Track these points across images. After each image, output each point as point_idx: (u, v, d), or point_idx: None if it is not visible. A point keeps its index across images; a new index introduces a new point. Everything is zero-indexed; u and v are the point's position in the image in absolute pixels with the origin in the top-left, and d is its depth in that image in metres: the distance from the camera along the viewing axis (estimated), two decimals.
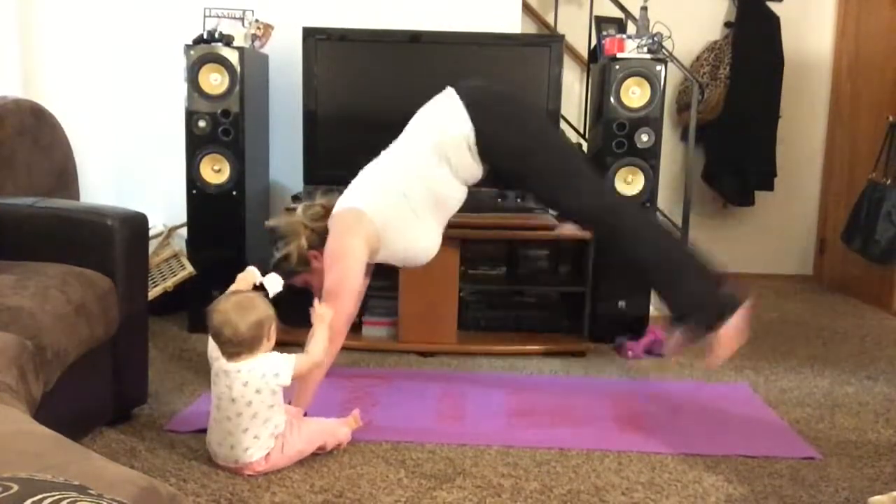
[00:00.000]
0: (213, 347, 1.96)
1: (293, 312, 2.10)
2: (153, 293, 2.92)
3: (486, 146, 2.31)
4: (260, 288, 2.12)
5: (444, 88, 2.40)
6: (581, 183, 2.40)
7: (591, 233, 2.67)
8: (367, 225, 2.24)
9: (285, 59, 3.35)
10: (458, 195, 2.39)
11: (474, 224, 2.92)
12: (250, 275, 2.14)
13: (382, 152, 2.42)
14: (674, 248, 2.43)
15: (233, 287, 2.08)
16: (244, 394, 1.90)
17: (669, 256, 2.37)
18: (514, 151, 2.37)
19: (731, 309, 2.24)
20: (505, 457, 2.09)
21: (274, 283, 2.14)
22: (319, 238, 2.32)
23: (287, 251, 2.34)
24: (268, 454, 1.93)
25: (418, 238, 2.34)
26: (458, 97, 2.35)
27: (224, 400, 1.92)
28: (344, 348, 2.90)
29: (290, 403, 2.08)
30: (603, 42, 3.25)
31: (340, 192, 2.37)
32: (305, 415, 2.14)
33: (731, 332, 2.24)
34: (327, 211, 2.36)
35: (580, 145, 3.71)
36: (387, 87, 3.15)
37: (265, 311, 1.94)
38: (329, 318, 2.09)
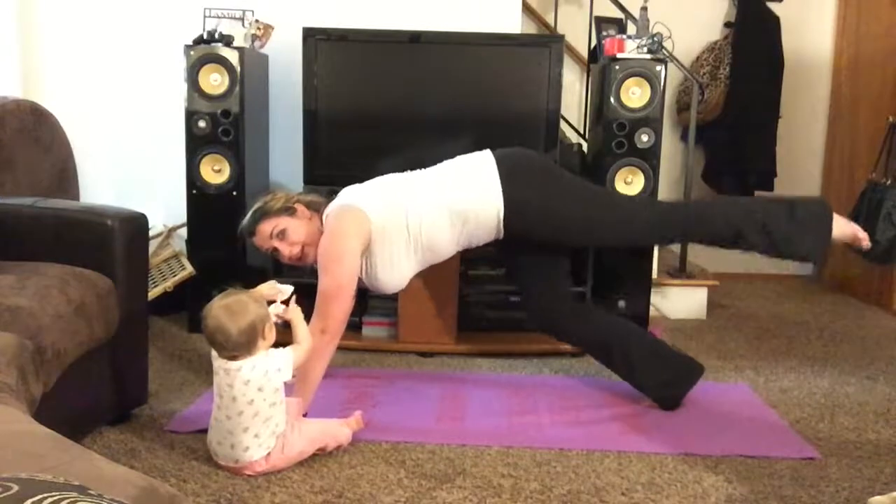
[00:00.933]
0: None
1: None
2: (153, 293, 2.92)
3: (515, 221, 2.34)
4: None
5: (483, 151, 2.44)
6: (641, 221, 2.49)
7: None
8: (366, 226, 2.24)
9: (285, 59, 3.35)
10: (449, 255, 2.42)
11: None
12: (271, 289, 2.09)
13: (402, 175, 2.42)
14: (754, 214, 2.46)
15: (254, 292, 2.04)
16: (245, 392, 1.90)
17: (756, 220, 2.43)
18: (549, 220, 2.39)
19: (829, 219, 2.40)
20: (505, 457, 2.09)
21: (286, 290, 2.11)
22: (308, 202, 2.36)
23: (275, 195, 2.36)
24: (268, 454, 1.93)
25: (395, 267, 2.32)
26: (495, 165, 2.36)
27: (225, 398, 1.92)
28: (344, 348, 2.92)
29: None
30: (603, 42, 3.25)
31: (327, 199, 2.38)
32: (305, 415, 2.15)
33: (840, 227, 2.42)
34: (318, 200, 2.40)
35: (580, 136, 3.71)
36: (387, 87, 3.15)
37: (256, 312, 1.91)
38: (299, 315, 2.07)
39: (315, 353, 2.15)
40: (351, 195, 2.34)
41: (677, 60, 3.64)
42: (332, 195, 2.43)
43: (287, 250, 2.32)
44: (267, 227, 2.33)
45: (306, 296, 2.21)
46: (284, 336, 2.04)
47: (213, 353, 1.95)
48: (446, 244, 2.36)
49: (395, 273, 2.33)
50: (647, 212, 2.55)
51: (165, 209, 3.51)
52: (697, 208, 2.64)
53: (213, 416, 1.97)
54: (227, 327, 1.87)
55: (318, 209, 2.37)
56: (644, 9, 3.32)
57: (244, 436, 1.90)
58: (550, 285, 2.54)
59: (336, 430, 2.08)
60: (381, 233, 2.26)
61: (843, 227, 2.43)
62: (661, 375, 2.47)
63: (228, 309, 1.89)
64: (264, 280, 2.16)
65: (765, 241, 2.39)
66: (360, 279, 2.32)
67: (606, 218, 2.45)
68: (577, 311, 2.60)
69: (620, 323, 2.61)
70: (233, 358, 1.90)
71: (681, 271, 3.70)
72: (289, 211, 2.33)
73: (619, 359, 2.50)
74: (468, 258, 3.15)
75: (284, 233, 2.31)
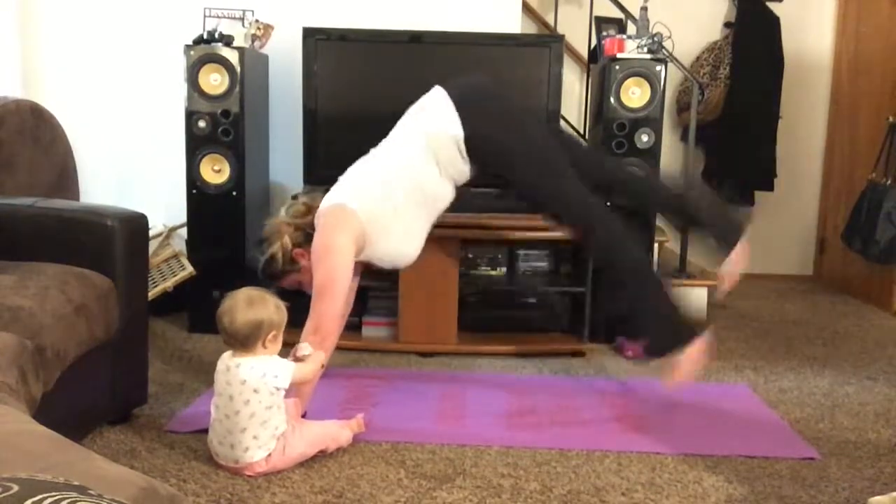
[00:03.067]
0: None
1: (293, 312, 2.10)
2: (153, 293, 2.92)
3: (473, 146, 2.33)
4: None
5: (433, 87, 2.42)
6: (565, 188, 2.43)
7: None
8: (354, 221, 2.23)
9: (285, 59, 3.35)
10: (447, 194, 2.40)
11: (474, 224, 2.92)
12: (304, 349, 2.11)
13: (371, 150, 2.43)
14: (642, 275, 2.47)
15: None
16: (242, 392, 1.90)
17: (636, 280, 2.45)
18: (500, 151, 2.39)
19: (686, 340, 2.34)
20: (505, 457, 2.09)
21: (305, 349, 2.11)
22: (304, 236, 2.32)
23: (272, 252, 2.33)
24: (269, 455, 1.93)
25: (402, 238, 2.33)
26: (447, 96, 2.37)
27: (223, 397, 1.93)
28: (344, 348, 2.93)
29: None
30: (603, 42, 3.25)
31: (324, 192, 2.37)
32: (304, 416, 2.15)
33: (686, 361, 2.34)
34: (310, 208, 2.36)
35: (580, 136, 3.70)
36: (387, 87, 3.15)
37: (270, 314, 1.93)
38: (319, 358, 2.08)
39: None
40: (334, 194, 2.34)
41: (677, 60, 3.64)
42: (311, 194, 2.45)
43: (309, 291, 2.32)
44: (282, 285, 2.37)
45: None
46: (284, 337, 2.04)
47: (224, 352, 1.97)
48: (437, 186, 2.36)
49: (405, 243, 2.35)
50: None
51: (165, 209, 3.51)
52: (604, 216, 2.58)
53: (213, 416, 1.97)
54: (236, 313, 1.90)
55: (313, 225, 2.34)
56: (644, 9, 3.32)
57: (242, 436, 1.91)
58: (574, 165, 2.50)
59: (337, 432, 2.08)
60: (376, 220, 2.26)
61: (684, 366, 2.36)
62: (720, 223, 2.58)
63: (249, 298, 1.93)
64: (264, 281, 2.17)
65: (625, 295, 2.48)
66: (380, 265, 2.36)
67: (541, 141, 2.47)
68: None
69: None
70: (230, 346, 1.93)
71: (681, 271, 3.69)
72: (293, 266, 2.34)
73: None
74: (468, 258, 3.16)
75: (300, 284, 2.37)
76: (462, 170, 2.38)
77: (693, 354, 2.34)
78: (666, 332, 2.37)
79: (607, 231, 2.43)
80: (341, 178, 2.38)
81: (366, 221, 2.24)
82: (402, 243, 2.35)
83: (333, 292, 2.20)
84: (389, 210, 2.29)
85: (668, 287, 2.49)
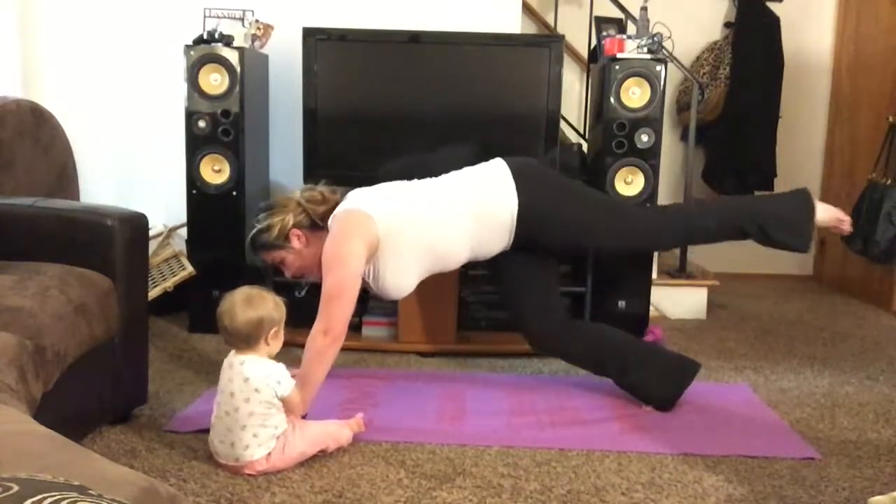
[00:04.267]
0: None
1: (292, 312, 2.10)
2: (153, 293, 2.92)
3: (528, 219, 2.37)
4: None
5: (494, 159, 2.48)
6: (643, 218, 2.66)
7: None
8: (372, 230, 2.23)
9: (285, 59, 3.35)
10: (460, 263, 2.44)
11: None
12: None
13: (413, 182, 2.45)
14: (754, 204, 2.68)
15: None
16: (243, 389, 1.91)
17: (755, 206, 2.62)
18: (571, 224, 2.46)
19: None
20: (505, 457, 2.09)
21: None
22: (309, 220, 2.32)
23: (270, 222, 2.32)
24: (269, 455, 1.93)
25: (407, 267, 2.32)
26: (506, 166, 2.42)
27: (225, 394, 1.93)
28: (344, 348, 2.90)
29: None
30: (603, 42, 3.25)
31: (344, 190, 2.36)
32: (305, 417, 2.15)
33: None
34: (325, 199, 2.35)
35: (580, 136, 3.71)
36: (387, 87, 3.15)
37: (269, 311, 1.94)
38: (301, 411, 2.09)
39: (317, 355, 2.15)
40: (357, 199, 2.33)
41: (677, 60, 3.64)
42: (332, 187, 2.43)
43: (288, 273, 2.39)
44: (265, 257, 2.39)
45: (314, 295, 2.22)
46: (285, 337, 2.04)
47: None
48: (459, 251, 2.38)
49: (404, 280, 2.33)
50: (652, 216, 2.69)
51: (165, 209, 3.51)
52: (697, 212, 2.71)
53: (215, 414, 1.98)
54: (237, 313, 1.91)
55: (324, 216, 2.34)
56: (644, 9, 3.32)
57: (243, 433, 1.91)
58: (540, 300, 2.55)
59: (337, 432, 2.08)
60: (390, 238, 2.25)
61: (825, 211, 2.54)
62: (653, 378, 2.48)
63: (247, 297, 1.94)
64: (262, 280, 2.17)
65: (759, 235, 2.52)
66: (367, 284, 2.32)
67: (613, 221, 2.53)
68: (568, 326, 2.60)
69: (610, 332, 2.60)
70: (232, 345, 1.94)
71: (681, 271, 3.70)
72: (283, 243, 2.33)
73: (613, 367, 2.52)
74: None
75: (283, 262, 2.37)
76: (494, 247, 2.42)
77: (822, 209, 2.53)
78: (801, 221, 2.52)
79: (709, 215, 2.59)
80: (371, 189, 2.38)
81: (382, 233, 2.24)
82: (404, 273, 2.32)
83: (347, 296, 2.20)
84: (408, 244, 2.28)
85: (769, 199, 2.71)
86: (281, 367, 1.96)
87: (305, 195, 2.36)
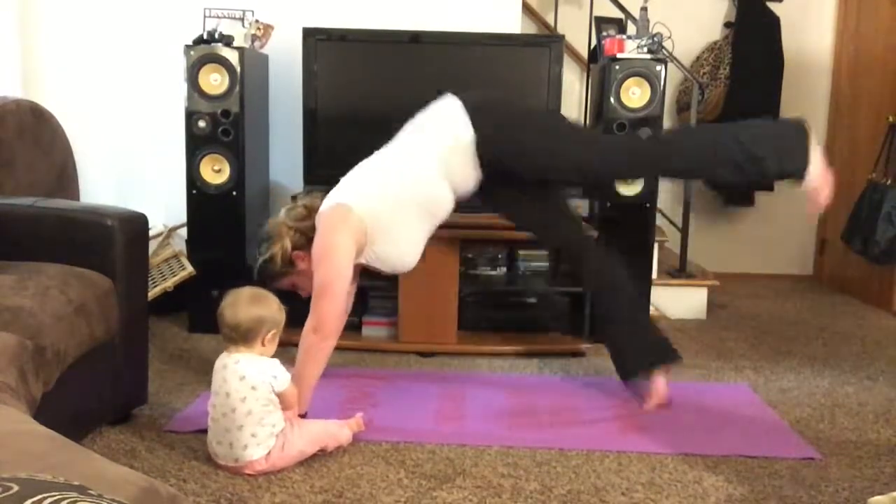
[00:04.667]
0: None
1: (291, 315, 2.10)
2: (153, 293, 2.92)
3: (487, 145, 2.32)
4: None
5: (444, 94, 2.41)
6: (602, 143, 2.58)
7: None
8: (356, 221, 2.23)
9: (285, 59, 3.35)
10: (449, 204, 2.39)
11: (474, 224, 2.92)
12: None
13: (376, 152, 2.42)
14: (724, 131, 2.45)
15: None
16: (239, 389, 1.91)
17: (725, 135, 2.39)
18: (516, 141, 2.38)
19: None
20: (505, 457, 2.09)
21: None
22: (305, 238, 2.32)
23: (272, 253, 2.33)
24: (268, 453, 1.93)
25: (403, 242, 2.33)
26: (459, 103, 2.35)
27: (220, 395, 1.94)
28: (344, 348, 2.92)
29: None
30: (603, 42, 3.24)
31: (324, 193, 2.37)
32: (304, 416, 2.15)
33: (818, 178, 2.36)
34: (310, 211, 2.35)
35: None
36: (387, 87, 3.15)
37: (273, 313, 1.97)
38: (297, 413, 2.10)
39: (307, 352, 2.16)
40: (333, 195, 2.33)
41: (677, 60, 3.64)
42: (311, 195, 2.43)
43: (304, 294, 2.36)
44: (278, 286, 2.36)
45: None
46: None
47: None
48: (440, 195, 2.35)
49: (407, 249, 2.34)
50: (621, 144, 2.63)
51: (165, 209, 3.51)
52: (670, 138, 2.68)
53: (210, 416, 1.98)
54: (240, 308, 1.94)
55: (315, 229, 2.33)
56: (644, 9, 3.32)
57: (240, 434, 1.91)
58: (553, 219, 2.59)
59: (336, 431, 2.08)
60: (375, 219, 2.26)
61: (817, 165, 2.37)
62: (631, 349, 2.51)
63: (254, 294, 1.98)
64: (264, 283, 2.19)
65: (747, 165, 2.30)
66: (377, 269, 2.35)
67: (572, 135, 2.52)
68: (589, 250, 2.64)
69: (620, 288, 2.58)
70: (231, 341, 1.95)
71: (681, 271, 3.69)
72: (290, 268, 2.34)
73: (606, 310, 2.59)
74: (468, 258, 3.16)
75: (294, 286, 2.38)
76: (467, 179, 2.37)
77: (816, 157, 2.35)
78: (793, 149, 2.35)
79: (658, 148, 2.49)
80: (343, 179, 2.38)
81: (367, 222, 2.24)
82: (403, 247, 2.34)
83: (333, 291, 2.20)
84: (392, 212, 2.29)
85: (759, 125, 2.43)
86: (275, 361, 1.97)
87: (291, 215, 2.37)
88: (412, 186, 2.31)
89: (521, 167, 2.39)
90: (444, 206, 2.38)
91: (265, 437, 1.93)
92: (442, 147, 2.32)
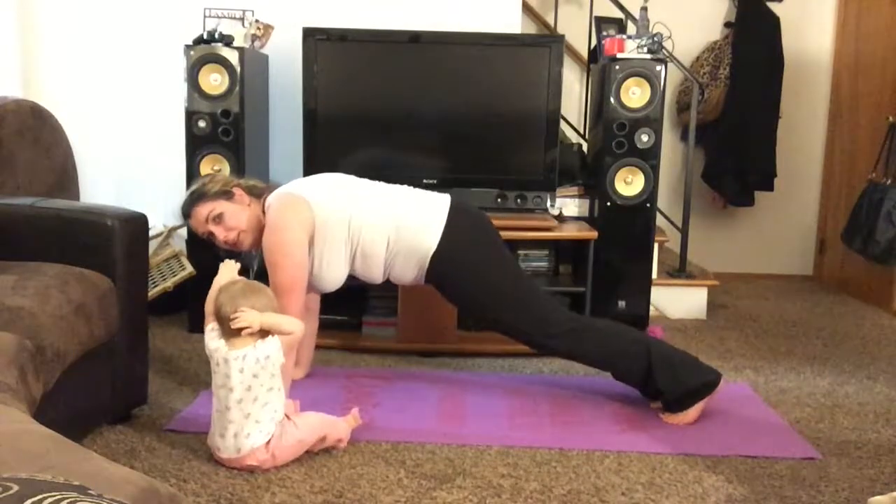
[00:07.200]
0: (209, 339, 1.98)
1: None
2: (153, 293, 2.92)
3: (434, 269, 2.32)
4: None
5: (448, 194, 2.43)
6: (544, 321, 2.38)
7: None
8: (307, 213, 2.24)
9: (285, 59, 3.35)
10: (378, 276, 2.38)
11: None
12: (232, 267, 2.12)
13: (353, 177, 2.43)
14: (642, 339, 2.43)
15: (220, 279, 2.08)
16: (242, 380, 1.92)
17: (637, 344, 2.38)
18: (461, 294, 2.42)
19: (704, 392, 2.34)
20: (505, 457, 2.09)
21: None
22: (247, 185, 2.36)
23: (212, 177, 2.37)
24: (269, 441, 1.94)
25: (339, 260, 2.32)
26: (448, 208, 2.34)
27: (223, 389, 1.94)
28: (344, 348, 2.93)
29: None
30: (603, 42, 3.25)
31: (271, 184, 2.41)
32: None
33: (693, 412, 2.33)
34: (262, 190, 2.39)
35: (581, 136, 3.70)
36: (387, 87, 3.15)
37: (268, 303, 1.98)
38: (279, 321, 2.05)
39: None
40: (296, 185, 2.33)
41: (677, 60, 3.64)
42: (273, 184, 2.45)
43: (222, 235, 2.33)
44: (203, 210, 2.33)
45: None
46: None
47: (210, 346, 1.98)
48: (377, 258, 2.34)
49: (331, 272, 2.34)
50: (551, 309, 2.44)
51: (165, 209, 3.51)
52: (591, 326, 2.48)
53: (215, 409, 1.98)
54: (236, 300, 1.94)
55: (259, 195, 2.38)
56: (644, 9, 3.33)
57: (245, 422, 1.92)
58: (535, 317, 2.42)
59: (335, 421, 2.09)
60: (324, 228, 2.27)
61: (697, 411, 2.33)
62: (676, 378, 2.35)
63: (248, 286, 2.00)
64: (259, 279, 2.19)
65: (644, 368, 2.33)
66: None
67: (522, 297, 2.39)
68: (576, 329, 2.43)
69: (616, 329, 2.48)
70: (230, 335, 1.95)
71: (681, 271, 3.69)
72: (227, 195, 2.34)
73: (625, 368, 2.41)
74: None
75: (221, 217, 2.33)
76: (405, 273, 2.36)
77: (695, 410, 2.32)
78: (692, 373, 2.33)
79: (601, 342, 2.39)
80: (304, 178, 2.40)
81: (317, 219, 2.25)
82: (336, 265, 2.32)
83: (297, 289, 2.22)
84: (337, 222, 2.28)
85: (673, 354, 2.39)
86: (259, 345, 1.94)
87: (240, 178, 2.44)
88: (362, 234, 2.30)
89: (454, 301, 2.48)
90: (372, 273, 2.37)
91: (267, 421, 1.94)
92: (405, 226, 2.31)
